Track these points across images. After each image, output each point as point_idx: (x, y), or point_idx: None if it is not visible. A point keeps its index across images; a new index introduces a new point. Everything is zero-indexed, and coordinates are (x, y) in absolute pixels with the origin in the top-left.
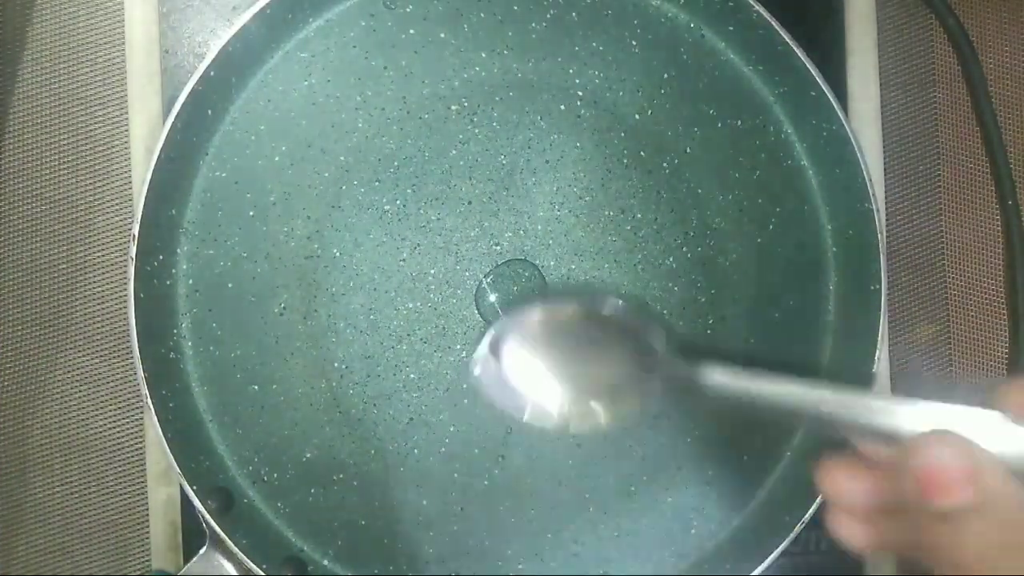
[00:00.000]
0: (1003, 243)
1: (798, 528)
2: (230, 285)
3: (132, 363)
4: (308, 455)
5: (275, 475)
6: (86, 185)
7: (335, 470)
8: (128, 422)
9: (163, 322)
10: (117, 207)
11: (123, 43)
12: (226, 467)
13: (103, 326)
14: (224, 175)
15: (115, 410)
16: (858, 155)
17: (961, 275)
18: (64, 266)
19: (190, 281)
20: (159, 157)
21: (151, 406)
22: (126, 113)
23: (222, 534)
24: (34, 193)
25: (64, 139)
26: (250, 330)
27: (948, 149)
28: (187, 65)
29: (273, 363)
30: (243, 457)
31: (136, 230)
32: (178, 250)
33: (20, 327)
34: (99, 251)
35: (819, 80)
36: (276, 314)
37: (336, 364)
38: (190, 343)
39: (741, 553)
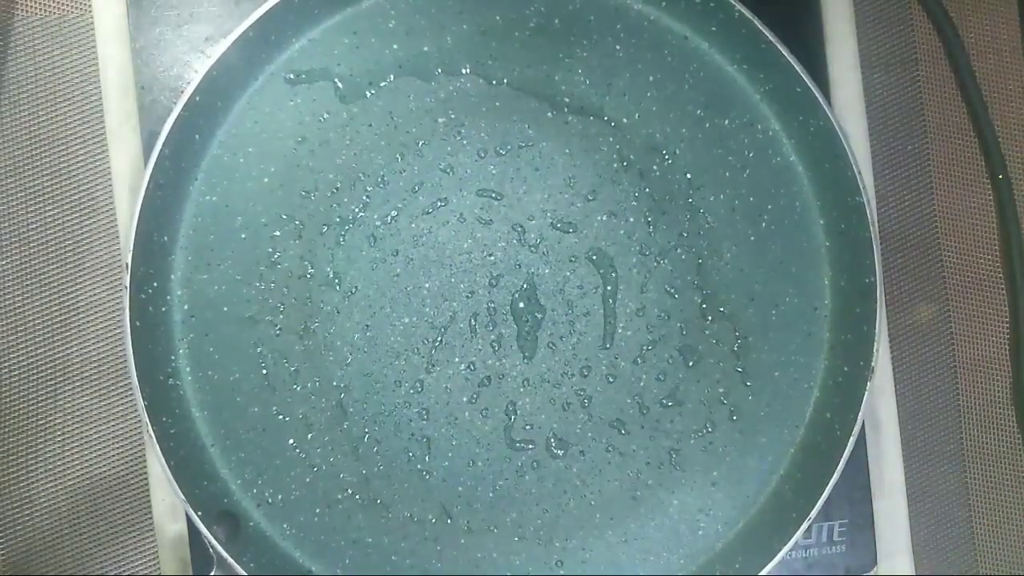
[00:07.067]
0: (996, 217)
1: (805, 525)
2: (225, 308)
3: (131, 400)
4: (311, 475)
5: (279, 497)
6: (72, 225)
7: (339, 489)
8: (131, 459)
9: (160, 349)
10: (105, 245)
11: (99, 80)
12: (230, 491)
13: (100, 366)
14: (214, 199)
15: (118, 448)
16: (847, 149)
17: (956, 252)
18: (56, 309)
19: (185, 307)
20: (149, 184)
21: (152, 434)
22: (107, 150)
23: (229, 559)
24: (20, 237)
25: (47, 180)
26: (248, 353)
27: (935, 127)
28: (163, 100)
29: (272, 384)
30: (246, 480)
31: (128, 259)
32: (172, 276)
33: (17, 373)
34: (90, 291)
35: (804, 76)
36: (273, 335)
37: (335, 383)
38: (188, 369)
39: (750, 552)
